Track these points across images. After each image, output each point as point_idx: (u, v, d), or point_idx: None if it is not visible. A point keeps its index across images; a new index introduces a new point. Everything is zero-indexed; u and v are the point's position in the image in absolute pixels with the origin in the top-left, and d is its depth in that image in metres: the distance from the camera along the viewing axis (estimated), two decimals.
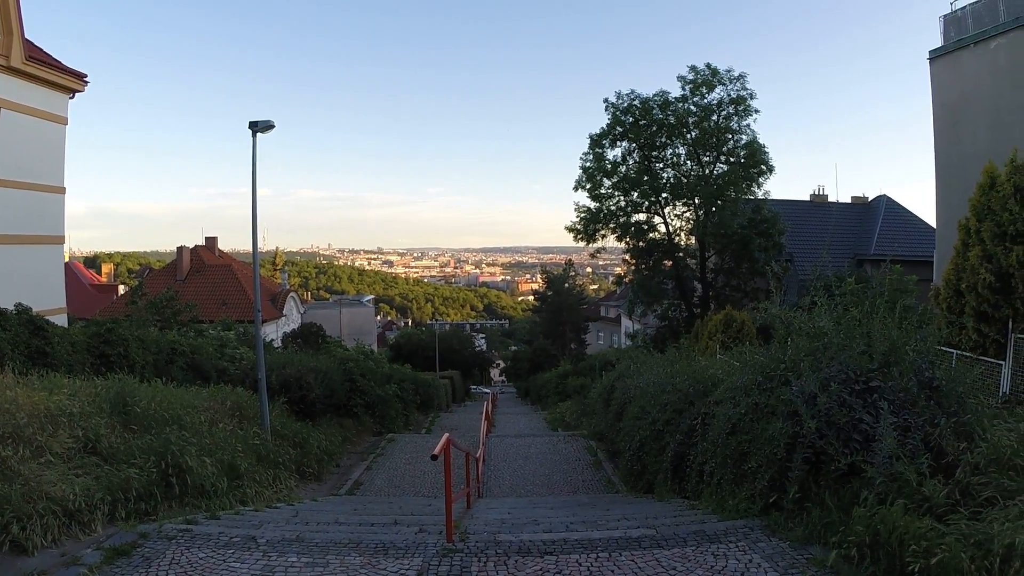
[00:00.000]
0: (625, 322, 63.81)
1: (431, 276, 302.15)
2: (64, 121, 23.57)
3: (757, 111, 37.61)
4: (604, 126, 39.21)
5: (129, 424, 10.42)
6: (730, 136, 37.88)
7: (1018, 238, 15.67)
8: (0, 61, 20.24)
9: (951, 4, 24.70)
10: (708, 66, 37.50)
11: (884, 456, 6.40)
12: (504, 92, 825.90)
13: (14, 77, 20.89)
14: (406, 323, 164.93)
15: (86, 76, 23.89)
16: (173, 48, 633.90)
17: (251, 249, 16.50)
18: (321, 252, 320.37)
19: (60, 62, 23.14)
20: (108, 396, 10.98)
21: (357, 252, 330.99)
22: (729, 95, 37.40)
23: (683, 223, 39.73)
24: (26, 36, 21.30)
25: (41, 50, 22.53)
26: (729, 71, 37.36)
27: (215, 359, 21.84)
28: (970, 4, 23.97)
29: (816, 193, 46.60)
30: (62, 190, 23.73)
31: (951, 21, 24.73)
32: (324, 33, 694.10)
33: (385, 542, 7.36)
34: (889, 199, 43.98)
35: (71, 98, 23.76)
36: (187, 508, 9.32)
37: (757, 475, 7.66)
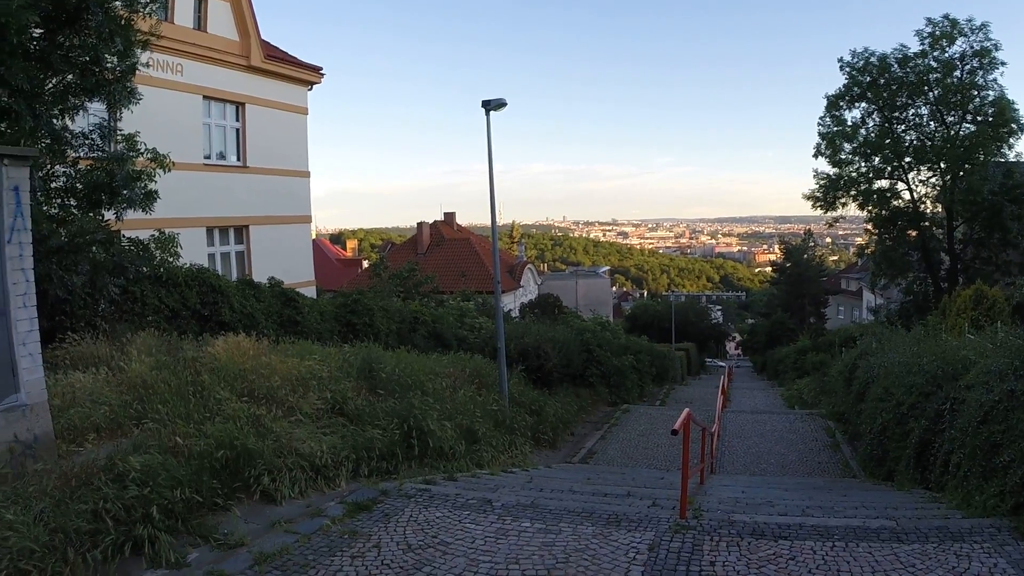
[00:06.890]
0: (867, 296, 60.40)
1: (666, 247, 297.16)
2: (305, 111, 26.01)
3: (1004, 63, 33.46)
4: (841, 87, 36.50)
5: (374, 388, 11.07)
6: (975, 92, 33.66)
7: None
8: (242, 61, 22.73)
9: None
10: (946, 17, 33.58)
11: None
12: (725, 61, 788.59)
13: (256, 75, 23.40)
14: (641, 294, 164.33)
15: (321, 68, 26.49)
16: (402, 25, 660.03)
17: (488, 223, 17.15)
18: (556, 224, 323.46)
19: (296, 58, 25.63)
20: (355, 362, 11.75)
21: (591, 224, 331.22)
22: (971, 47, 33.48)
23: (928, 189, 36.54)
24: (263, 38, 23.71)
25: (278, 49, 25.00)
26: (969, 20, 33.47)
27: (455, 328, 22.78)
28: None
29: None
30: (307, 174, 26.31)
31: None
32: (553, 4, 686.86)
33: (618, 513, 7.35)
34: None
35: (309, 90, 26.24)
36: (426, 469, 9.67)
37: (1009, 470, 6.94)
